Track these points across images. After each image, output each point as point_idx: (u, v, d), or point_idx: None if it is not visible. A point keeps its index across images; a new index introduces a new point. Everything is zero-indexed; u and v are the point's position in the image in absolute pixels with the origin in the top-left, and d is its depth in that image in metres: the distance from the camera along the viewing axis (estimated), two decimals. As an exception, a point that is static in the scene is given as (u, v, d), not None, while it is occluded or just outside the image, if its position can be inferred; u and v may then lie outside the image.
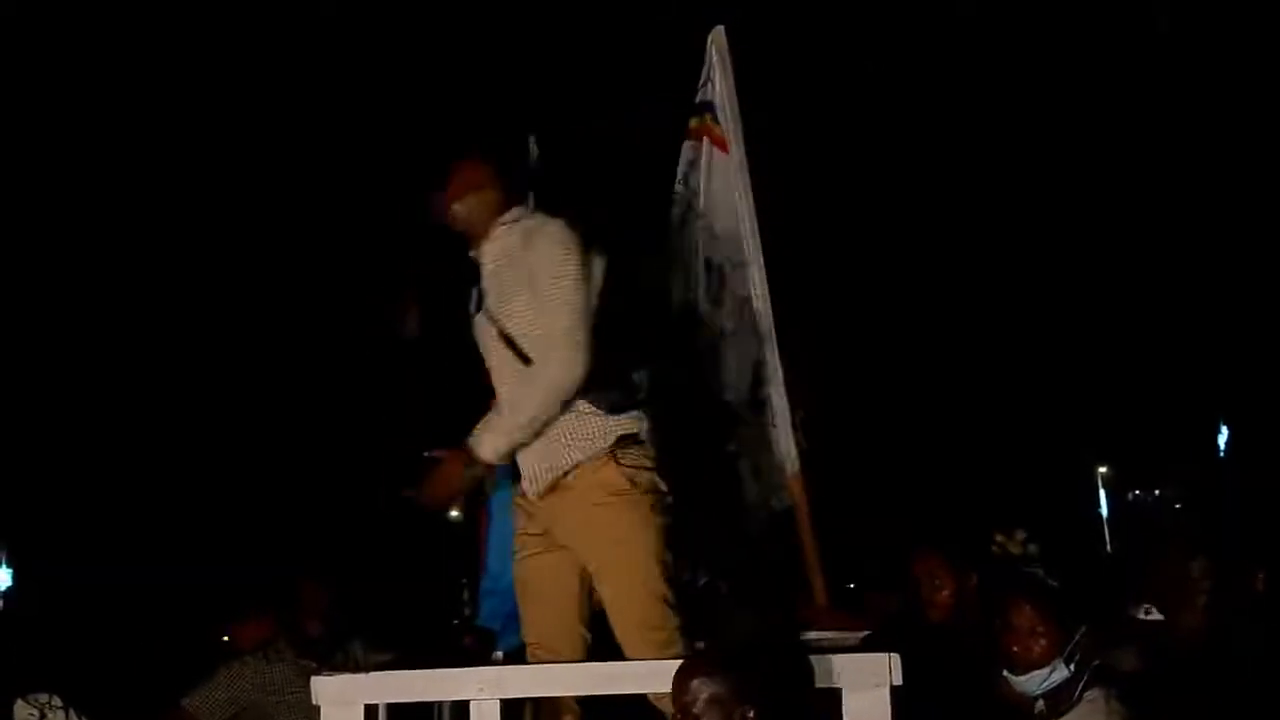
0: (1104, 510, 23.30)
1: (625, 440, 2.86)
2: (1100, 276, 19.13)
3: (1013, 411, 19.32)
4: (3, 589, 18.76)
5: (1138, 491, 24.32)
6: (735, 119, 3.98)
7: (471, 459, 2.86)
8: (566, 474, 2.86)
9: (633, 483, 2.83)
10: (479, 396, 3.07)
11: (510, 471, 3.13)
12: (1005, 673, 2.79)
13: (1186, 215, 18.10)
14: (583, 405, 2.86)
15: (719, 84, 3.98)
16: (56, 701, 3.54)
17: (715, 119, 4.00)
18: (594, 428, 2.85)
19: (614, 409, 2.86)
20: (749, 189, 3.95)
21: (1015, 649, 2.74)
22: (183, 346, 16.77)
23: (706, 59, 4.05)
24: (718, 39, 4.03)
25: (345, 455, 16.10)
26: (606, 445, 2.84)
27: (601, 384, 2.86)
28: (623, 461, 2.84)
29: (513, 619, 3.79)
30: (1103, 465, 23.40)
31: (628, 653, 2.83)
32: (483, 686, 2.62)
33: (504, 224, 3.00)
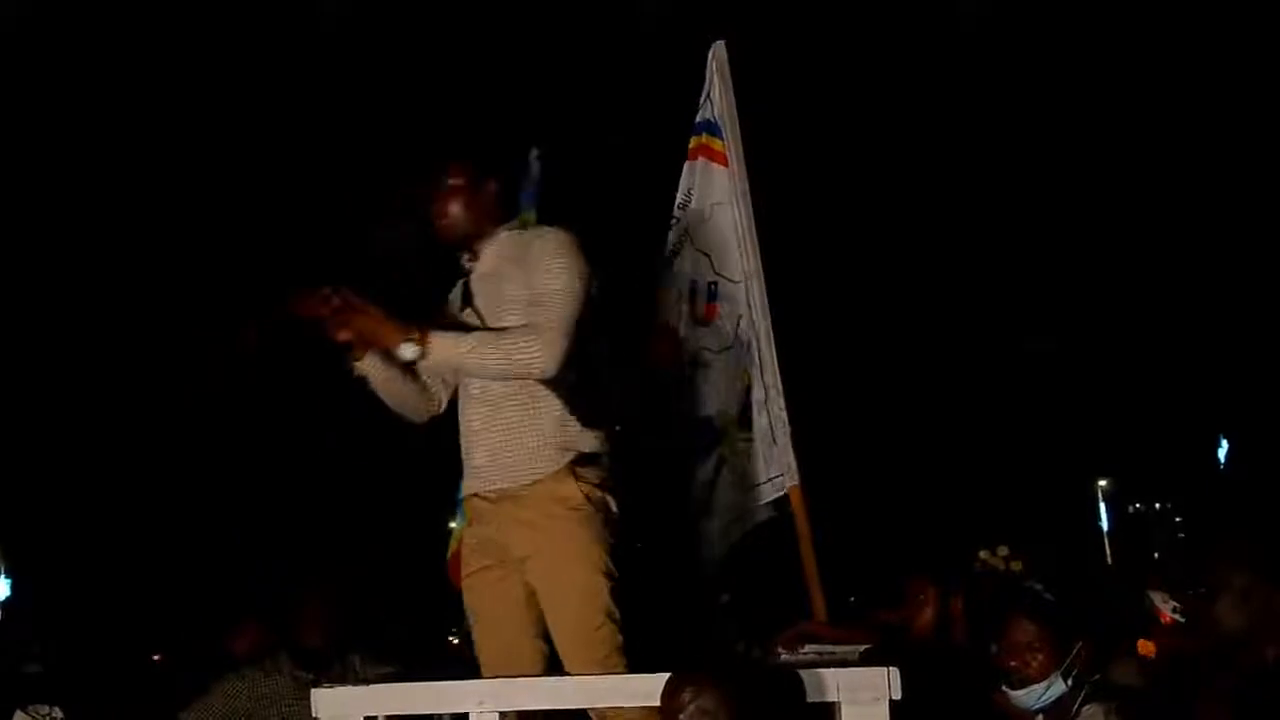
0: (1104, 523, 23.28)
1: (586, 457, 2.86)
2: (1100, 294, 19.15)
3: (1014, 426, 19.32)
4: (2, 599, 18.73)
5: (1138, 504, 24.29)
6: (735, 132, 3.99)
7: (423, 339, 2.74)
8: (527, 485, 2.85)
9: (588, 499, 2.82)
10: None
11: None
12: (1004, 688, 2.79)
13: (1187, 231, 18.13)
14: (556, 412, 2.86)
15: (719, 98, 3.99)
16: (58, 714, 3.53)
17: (714, 135, 4.01)
18: (561, 440, 2.85)
19: (584, 423, 2.87)
20: (748, 203, 3.96)
21: (1013, 664, 2.74)
22: (182, 358, 16.77)
23: (707, 74, 4.06)
24: (718, 54, 4.05)
25: (346, 467, 16.10)
26: (568, 460, 2.84)
27: (577, 397, 2.86)
28: (581, 477, 2.83)
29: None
30: (1103, 479, 23.38)
31: (567, 669, 2.82)
32: (482, 700, 2.62)
33: (507, 229, 2.98)
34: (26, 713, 3.48)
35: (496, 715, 2.61)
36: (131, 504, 16.85)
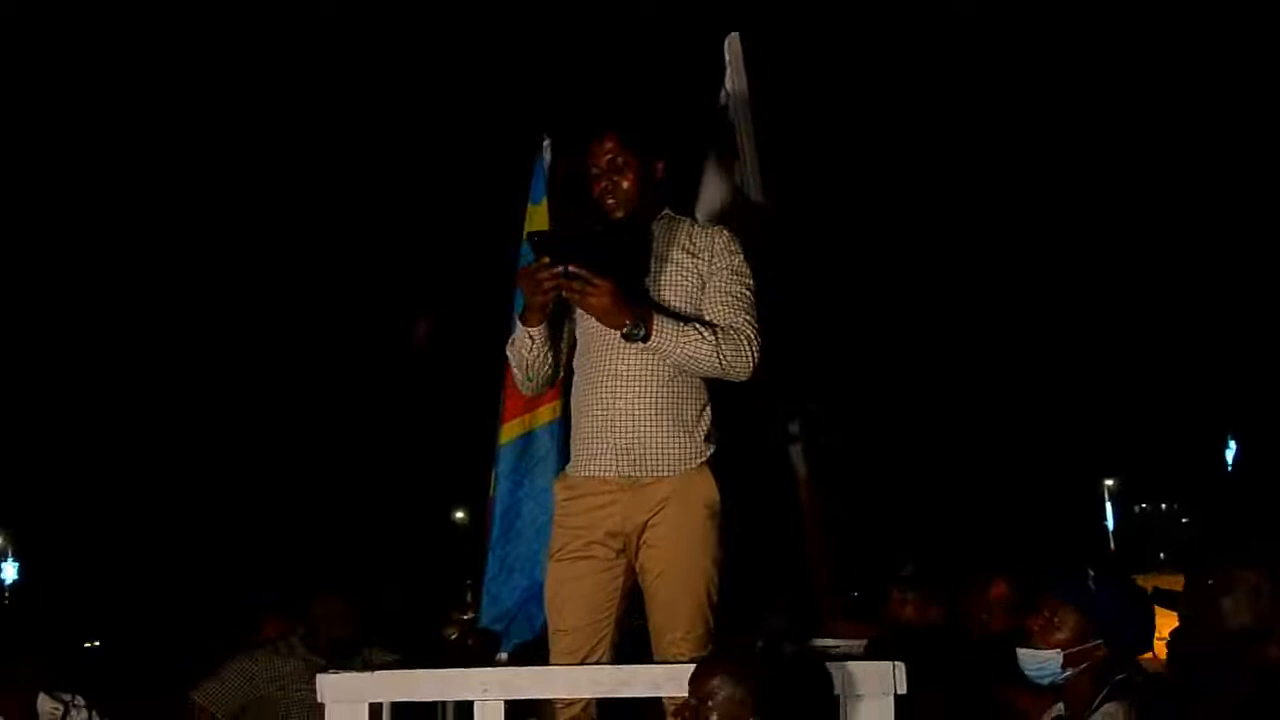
0: (1110, 523, 23.25)
1: (716, 453, 2.89)
2: (1109, 292, 19.13)
3: (1020, 424, 19.30)
4: (10, 582, 18.83)
5: (1144, 504, 24.27)
6: (748, 123, 3.98)
7: (646, 323, 2.75)
8: (671, 476, 2.85)
9: (720, 497, 2.86)
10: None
11: (555, 464, 3.23)
12: (1018, 649, 2.79)
13: (1196, 231, 18.09)
14: (706, 406, 2.89)
15: (734, 90, 3.98)
16: (80, 701, 3.53)
17: (735, 129, 3.99)
18: (704, 434, 2.88)
19: (716, 419, 2.90)
20: (761, 191, 3.94)
21: (1031, 623, 2.76)
22: (204, 351, 16.84)
23: (725, 66, 4.04)
24: (733, 45, 4.04)
25: (357, 460, 16.15)
26: (709, 455, 2.87)
27: (715, 392, 2.90)
28: (715, 474, 2.87)
29: (520, 618, 3.78)
30: (1109, 478, 23.34)
31: (660, 656, 2.82)
32: (486, 687, 2.62)
33: (674, 215, 3.00)
34: (51, 696, 3.48)
35: (500, 703, 2.61)
36: (140, 490, 16.90)
